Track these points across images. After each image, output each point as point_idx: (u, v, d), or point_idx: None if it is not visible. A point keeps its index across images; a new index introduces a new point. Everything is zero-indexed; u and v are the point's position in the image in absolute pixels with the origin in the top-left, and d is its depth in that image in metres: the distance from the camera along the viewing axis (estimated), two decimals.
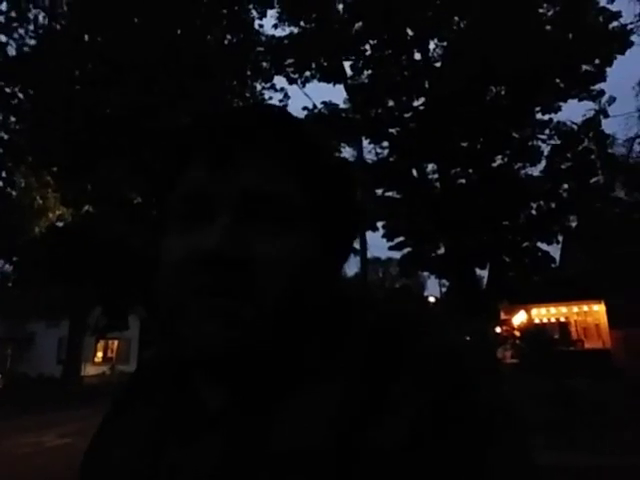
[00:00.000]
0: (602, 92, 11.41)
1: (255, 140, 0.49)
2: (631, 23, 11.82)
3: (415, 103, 11.35)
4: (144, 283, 9.14)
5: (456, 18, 11.50)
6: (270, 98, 10.71)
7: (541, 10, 10.57)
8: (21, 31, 11.21)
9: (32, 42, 11.30)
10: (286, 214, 0.48)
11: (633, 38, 11.36)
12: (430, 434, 0.41)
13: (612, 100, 11.69)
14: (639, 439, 5.51)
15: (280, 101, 10.75)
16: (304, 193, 0.49)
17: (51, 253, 11.08)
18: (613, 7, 10.75)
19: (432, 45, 11.67)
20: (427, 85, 11.39)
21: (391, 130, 11.37)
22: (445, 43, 11.66)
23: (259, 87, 10.43)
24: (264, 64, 10.19)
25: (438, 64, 11.66)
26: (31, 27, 11.33)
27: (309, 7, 9.83)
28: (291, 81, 10.39)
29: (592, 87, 11.32)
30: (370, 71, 11.50)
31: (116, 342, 27.38)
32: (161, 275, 0.50)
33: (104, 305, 13.59)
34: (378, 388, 0.44)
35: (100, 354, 27.60)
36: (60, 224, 11.95)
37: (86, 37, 9.96)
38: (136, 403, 0.57)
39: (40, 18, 11.51)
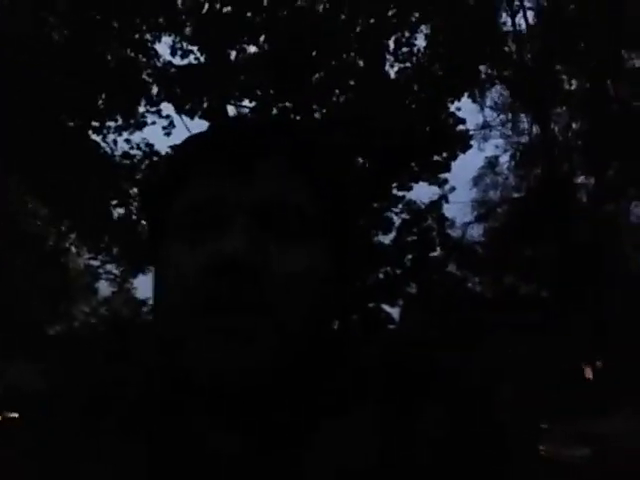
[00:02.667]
0: (446, 181, 13.34)
1: (270, 151, 0.49)
2: (473, 130, 14.17)
3: None
4: None
5: (337, 91, 12.72)
6: (153, 123, 10.45)
7: (407, 101, 12.16)
8: None
9: None
10: (300, 227, 0.48)
11: (472, 142, 13.68)
12: (458, 454, 0.46)
13: (452, 189, 13.73)
14: None
15: (164, 128, 10.56)
16: (315, 205, 0.49)
17: None
18: (460, 114, 12.84)
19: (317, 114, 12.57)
20: None
21: None
22: (324, 110, 12.71)
23: (142, 109, 10.15)
24: (153, 88, 10.03)
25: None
26: None
27: (212, 41, 10.00)
28: (179, 111, 10.35)
29: (439, 175, 13.18)
30: None
31: None
32: (169, 288, 0.47)
33: None
34: (407, 415, 0.48)
35: None
36: None
37: None
38: (103, 429, 0.50)
39: None
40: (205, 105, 11.35)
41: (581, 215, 13.72)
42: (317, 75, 12.33)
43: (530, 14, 14.39)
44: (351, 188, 0.55)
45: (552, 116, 14.88)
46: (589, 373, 11.35)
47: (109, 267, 10.56)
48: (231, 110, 12.15)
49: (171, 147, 10.28)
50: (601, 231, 13.65)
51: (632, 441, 5.98)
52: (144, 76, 9.95)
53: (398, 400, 0.49)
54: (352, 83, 12.14)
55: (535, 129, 14.87)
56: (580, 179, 14.95)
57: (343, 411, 0.48)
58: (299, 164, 0.50)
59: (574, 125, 15.22)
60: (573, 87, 14.95)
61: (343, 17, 10.56)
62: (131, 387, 0.54)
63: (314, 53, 12.05)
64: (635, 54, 14.75)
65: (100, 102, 10.06)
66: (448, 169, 13.17)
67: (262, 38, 11.26)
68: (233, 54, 10.77)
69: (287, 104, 12.23)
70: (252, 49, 11.73)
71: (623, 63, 14.52)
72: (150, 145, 10.37)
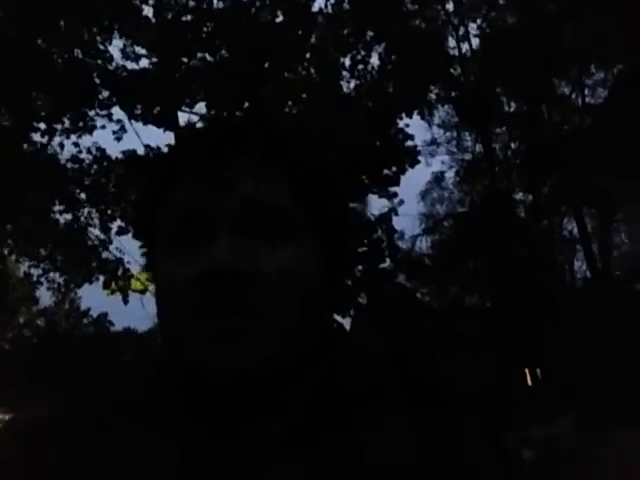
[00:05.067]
0: (395, 194, 13.72)
1: (249, 152, 0.48)
2: (421, 146, 14.75)
3: None
4: None
5: (289, 102, 12.86)
6: (103, 127, 10.08)
7: (359, 117, 12.48)
8: None
9: None
10: (285, 225, 0.48)
11: (420, 157, 14.21)
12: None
13: (401, 202, 14.13)
14: None
15: (114, 132, 10.20)
16: (299, 203, 0.49)
17: None
18: (409, 130, 13.31)
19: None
20: None
21: None
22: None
23: (92, 113, 9.78)
24: (103, 91, 9.70)
25: None
26: None
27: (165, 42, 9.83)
28: (131, 116, 10.06)
29: (389, 188, 13.55)
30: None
31: None
32: (163, 300, 0.49)
33: None
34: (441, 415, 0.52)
35: None
36: None
37: None
38: (125, 425, 0.50)
39: None
40: (157, 110, 11.14)
41: (519, 229, 14.51)
42: (269, 86, 12.42)
43: (475, 40, 15.22)
44: (340, 188, 0.61)
45: (493, 135, 15.73)
46: (529, 380, 11.98)
47: (52, 275, 10.06)
48: (182, 117, 12.01)
49: (117, 159, 9.98)
50: (537, 245, 14.51)
51: (572, 443, 6.39)
52: (94, 78, 9.62)
53: (415, 402, 0.52)
54: (304, 96, 12.32)
55: (478, 147, 15.65)
56: (519, 195, 15.86)
57: (376, 409, 0.50)
58: (276, 160, 0.49)
59: (512, 145, 16.15)
60: (512, 109, 15.89)
61: (300, 32, 10.73)
62: (138, 387, 0.54)
63: (267, 65, 12.17)
64: (564, 82, 15.92)
65: (43, 103, 9.63)
66: (397, 183, 13.57)
67: (216, 45, 11.20)
68: (185, 60, 10.66)
69: (237, 113, 12.23)
70: (205, 56, 11.68)
71: (554, 89, 15.61)
72: (101, 149, 10.01)
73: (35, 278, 10.35)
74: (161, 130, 10.54)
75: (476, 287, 14.67)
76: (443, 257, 14.20)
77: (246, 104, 12.24)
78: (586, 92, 15.55)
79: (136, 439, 0.48)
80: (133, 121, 10.32)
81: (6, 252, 10.32)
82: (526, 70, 14.45)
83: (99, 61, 9.67)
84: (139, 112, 11.05)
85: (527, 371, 11.96)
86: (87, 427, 0.50)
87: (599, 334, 10.59)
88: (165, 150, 0.55)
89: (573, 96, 15.51)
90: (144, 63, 10.51)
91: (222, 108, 12.38)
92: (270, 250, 0.47)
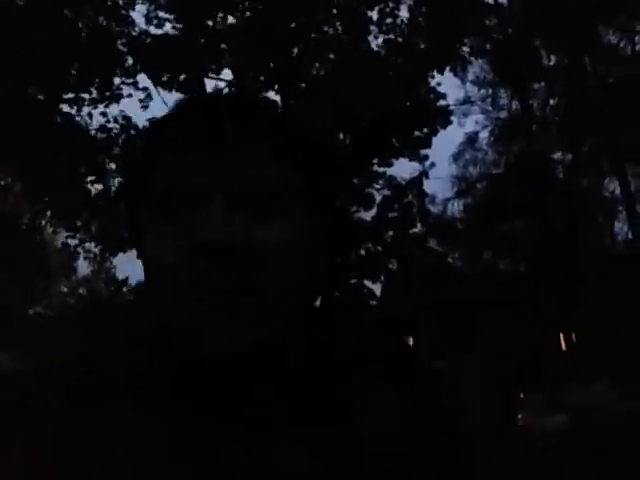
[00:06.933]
0: (427, 157, 13.36)
1: (247, 127, 0.48)
2: (454, 105, 14.20)
3: None
4: None
5: (317, 64, 12.52)
6: (129, 95, 10.10)
7: (389, 76, 12.07)
8: None
9: None
10: (276, 200, 0.48)
11: (453, 117, 13.71)
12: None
13: (432, 165, 13.77)
14: None
15: (141, 101, 10.16)
16: (295, 177, 0.49)
17: None
18: (441, 89, 12.80)
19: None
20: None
21: None
22: (304, 85, 12.52)
23: (117, 81, 9.80)
24: (129, 58, 9.68)
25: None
26: None
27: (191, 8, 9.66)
28: (157, 83, 10.04)
29: (420, 151, 13.19)
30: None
31: None
32: (153, 274, 0.48)
33: None
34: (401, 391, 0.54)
35: None
36: None
37: None
38: (110, 404, 0.48)
39: None
40: (183, 77, 11.07)
41: (557, 191, 13.96)
42: (297, 47, 12.10)
43: None
44: (331, 161, 0.64)
45: (531, 92, 14.98)
46: (563, 344, 11.73)
47: (88, 245, 10.34)
48: (209, 83, 11.91)
49: (144, 128, 10.02)
50: (576, 206, 13.94)
51: (606, 409, 6.24)
52: (119, 46, 9.58)
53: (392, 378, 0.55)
54: (333, 56, 11.96)
55: (514, 105, 14.98)
56: (557, 155, 15.19)
57: (364, 384, 0.53)
58: (273, 135, 0.49)
59: (552, 101, 15.38)
60: (552, 63, 15.05)
61: None
62: (123, 362, 0.52)
63: (294, 25, 11.83)
64: (611, 31, 14.88)
65: (73, 73, 9.70)
66: (429, 145, 13.19)
67: (241, 7, 10.95)
68: (210, 24, 10.46)
69: (265, 78, 12.01)
70: (230, 19, 11.44)
71: (600, 39, 14.64)
72: (128, 118, 10.07)
73: (72, 248, 10.66)
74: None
75: (510, 252, 14.31)
76: (476, 221, 13.86)
77: (274, 66, 12.02)
78: (637, 39, 14.53)
79: (123, 418, 0.47)
80: (160, 89, 10.27)
81: (43, 222, 10.65)
82: (567, 20, 13.59)
83: (123, 28, 9.61)
84: (165, 79, 11.03)
85: (562, 335, 11.70)
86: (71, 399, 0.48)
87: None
88: (153, 124, 0.54)
89: (622, 45, 14.52)
90: (168, 28, 10.38)
91: (250, 72, 12.19)
92: (264, 224, 0.47)
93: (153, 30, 10.07)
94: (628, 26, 14.65)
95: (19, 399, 0.48)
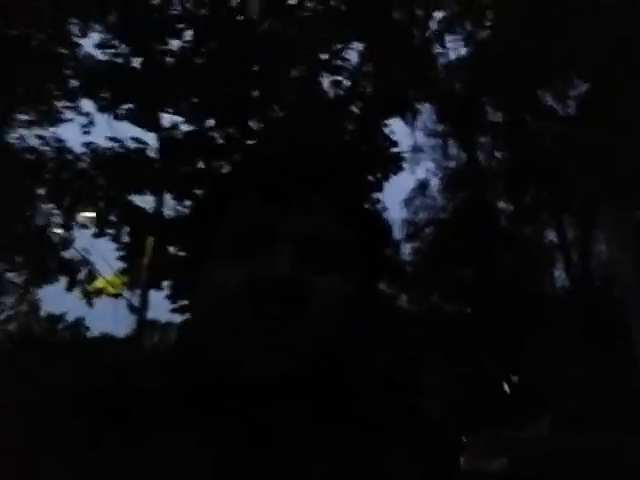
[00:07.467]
0: (378, 200, 13.63)
1: (318, 185, 0.54)
2: (405, 153, 14.68)
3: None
4: None
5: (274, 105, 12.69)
6: (71, 120, 9.61)
7: (345, 124, 12.38)
8: None
9: None
10: (334, 254, 0.52)
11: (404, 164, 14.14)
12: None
13: (384, 209, 14.07)
14: None
15: (83, 126, 9.65)
16: (351, 239, 0.54)
17: None
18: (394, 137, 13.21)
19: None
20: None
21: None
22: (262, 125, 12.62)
23: (59, 105, 9.35)
24: (72, 82, 9.25)
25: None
26: None
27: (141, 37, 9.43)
28: (102, 109, 9.58)
29: (371, 195, 13.44)
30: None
31: None
32: (209, 301, 0.52)
33: None
34: None
35: None
36: None
37: None
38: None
39: None
40: (137, 110, 10.84)
41: (501, 238, 14.50)
42: (255, 91, 12.25)
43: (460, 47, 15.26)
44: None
45: (477, 144, 15.76)
46: (507, 387, 11.88)
47: (9, 275, 9.56)
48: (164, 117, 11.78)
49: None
50: (519, 254, 14.49)
51: (544, 447, 6.28)
52: (64, 68, 9.20)
53: None
54: (286, 100, 12.17)
55: (462, 155, 15.65)
56: (501, 204, 15.87)
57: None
58: (342, 200, 0.55)
59: (496, 154, 16.19)
60: (495, 118, 15.95)
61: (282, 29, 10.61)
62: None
63: (254, 67, 12.01)
64: (549, 92, 16.01)
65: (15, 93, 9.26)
66: (380, 189, 13.46)
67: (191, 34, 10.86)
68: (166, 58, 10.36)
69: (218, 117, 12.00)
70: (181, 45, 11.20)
71: (538, 99, 15.69)
72: (61, 142, 9.54)
73: None
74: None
75: (457, 295, 14.62)
76: (425, 265, 14.13)
77: (230, 108, 12.08)
78: (569, 103, 15.67)
79: (149, 431, 0.48)
80: (105, 114, 9.88)
81: None
82: (510, 78, 14.51)
83: (68, 50, 9.22)
84: (121, 112, 10.73)
85: (503, 380, 11.87)
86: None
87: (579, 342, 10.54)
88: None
89: (557, 107, 15.61)
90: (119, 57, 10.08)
91: (207, 110, 12.17)
92: (321, 275, 0.50)
93: (103, 56, 9.69)
94: (564, 91, 15.81)
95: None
